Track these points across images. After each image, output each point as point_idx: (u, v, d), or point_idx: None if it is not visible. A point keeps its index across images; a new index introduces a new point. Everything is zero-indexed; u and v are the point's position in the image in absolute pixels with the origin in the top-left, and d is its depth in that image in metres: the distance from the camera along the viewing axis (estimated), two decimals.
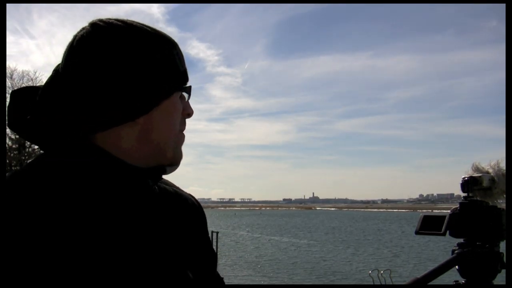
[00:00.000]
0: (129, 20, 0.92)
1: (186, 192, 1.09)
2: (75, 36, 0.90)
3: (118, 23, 0.90)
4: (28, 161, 0.91)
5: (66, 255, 0.77)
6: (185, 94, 0.97)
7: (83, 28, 0.91)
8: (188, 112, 0.98)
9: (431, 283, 1.49)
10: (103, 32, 0.88)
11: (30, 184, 0.83)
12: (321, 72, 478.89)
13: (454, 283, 1.56)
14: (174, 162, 0.96)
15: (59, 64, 0.92)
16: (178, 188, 1.07)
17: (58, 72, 0.91)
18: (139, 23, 0.92)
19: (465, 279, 1.53)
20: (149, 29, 0.92)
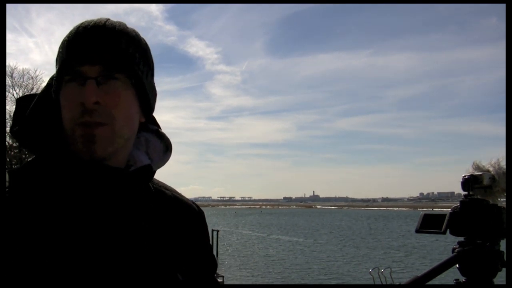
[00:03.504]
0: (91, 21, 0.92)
1: (187, 198, 1.07)
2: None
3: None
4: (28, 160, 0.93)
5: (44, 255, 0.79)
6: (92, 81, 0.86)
7: None
8: (79, 100, 0.84)
9: (431, 281, 1.49)
10: None
11: (13, 184, 0.86)
12: (320, 70, 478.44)
13: (454, 281, 1.55)
14: (88, 158, 0.86)
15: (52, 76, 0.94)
16: (178, 193, 1.06)
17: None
18: (83, 22, 0.91)
19: (465, 278, 1.53)
20: (79, 27, 0.90)
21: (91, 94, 0.83)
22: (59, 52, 0.89)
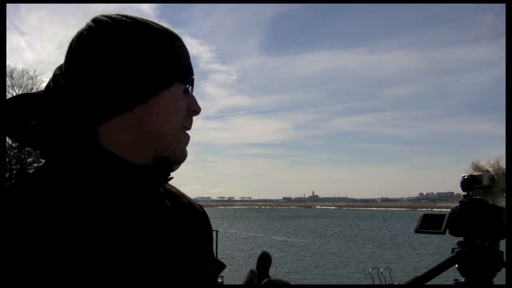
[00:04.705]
0: (131, 15, 0.91)
1: (188, 197, 1.08)
2: (77, 33, 0.91)
3: (118, 16, 0.90)
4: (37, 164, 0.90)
5: (68, 260, 0.76)
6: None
7: (86, 24, 0.91)
8: (194, 109, 0.94)
9: (431, 281, 1.49)
10: (103, 24, 0.88)
11: (31, 191, 0.82)
12: (316, 69, 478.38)
13: (454, 282, 1.55)
14: (174, 159, 0.93)
15: (59, 66, 0.92)
16: (183, 192, 1.06)
17: (61, 71, 0.90)
18: (142, 18, 0.92)
19: (465, 278, 1.53)
20: (150, 22, 0.91)
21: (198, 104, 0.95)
22: (167, 49, 0.90)
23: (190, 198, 1.07)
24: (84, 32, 0.89)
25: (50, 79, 0.91)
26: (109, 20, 0.89)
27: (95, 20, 0.90)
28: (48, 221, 0.77)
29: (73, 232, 0.78)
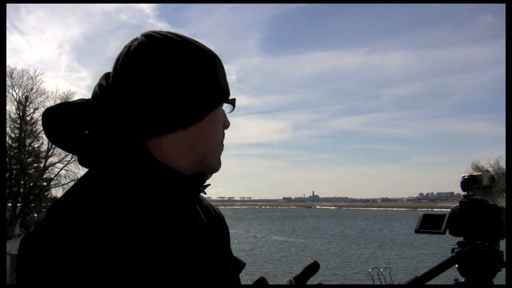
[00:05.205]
0: (179, 34, 0.95)
1: (206, 199, 1.14)
2: (128, 46, 0.92)
3: (172, 35, 0.93)
4: (81, 177, 0.91)
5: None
6: (225, 108, 1.01)
7: (135, 39, 0.92)
8: (226, 124, 1.02)
9: (431, 281, 1.49)
10: (160, 42, 0.90)
11: (91, 204, 0.82)
12: (316, 69, 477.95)
13: (454, 282, 1.56)
14: (214, 170, 1.00)
15: (105, 75, 0.94)
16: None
17: (108, 82, 0.92)
18: (189, 37, 0.95)
19: (465, 278, 1.53)
20: (197, 42, 0.96)
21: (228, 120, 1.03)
22: (216, 72, 0.95)
23: (207, 201, 1.13)
24: (137, 47, 0.90)
25: (96, 88, 0.92)
26: (162, 37, 0.91)
27: (147, 36, 0.92)
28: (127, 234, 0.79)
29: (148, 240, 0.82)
